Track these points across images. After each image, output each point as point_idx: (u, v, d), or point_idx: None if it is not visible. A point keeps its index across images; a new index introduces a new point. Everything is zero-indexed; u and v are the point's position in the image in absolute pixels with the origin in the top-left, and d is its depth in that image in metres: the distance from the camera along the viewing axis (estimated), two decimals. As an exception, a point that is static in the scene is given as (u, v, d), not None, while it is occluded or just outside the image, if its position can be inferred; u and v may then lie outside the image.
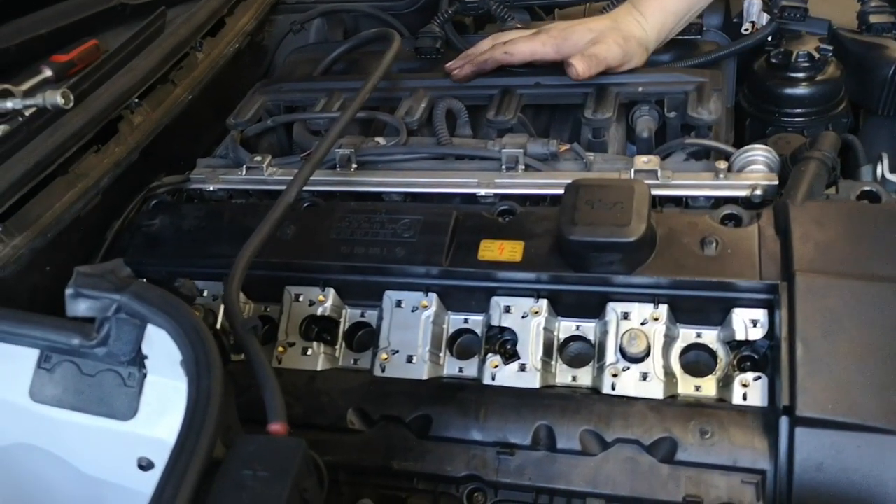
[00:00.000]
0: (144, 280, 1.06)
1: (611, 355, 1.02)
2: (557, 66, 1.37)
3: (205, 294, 1.17)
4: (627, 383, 1.00)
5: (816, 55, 1.35)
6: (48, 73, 1.13)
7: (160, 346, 0.80)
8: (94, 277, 0.77)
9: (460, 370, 1.08)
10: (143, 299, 0.76)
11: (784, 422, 0.89)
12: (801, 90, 1.37)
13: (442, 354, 1.09)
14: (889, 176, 1.09)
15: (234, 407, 0.77)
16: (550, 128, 1.45)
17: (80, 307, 0.77)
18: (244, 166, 1.33)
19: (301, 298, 1.13)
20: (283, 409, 0.74)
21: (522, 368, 1.03)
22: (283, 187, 1.24)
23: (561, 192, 1.14)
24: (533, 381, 1.02)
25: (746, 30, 1.52)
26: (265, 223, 1.00)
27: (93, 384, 0.83)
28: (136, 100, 1.24)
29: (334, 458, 1.01)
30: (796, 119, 1.38)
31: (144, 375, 0.82)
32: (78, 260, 1.15)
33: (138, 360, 0.81)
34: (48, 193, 1.08)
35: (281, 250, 1.13)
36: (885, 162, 1.11)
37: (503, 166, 1.22)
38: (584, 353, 1.07)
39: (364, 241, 1.12)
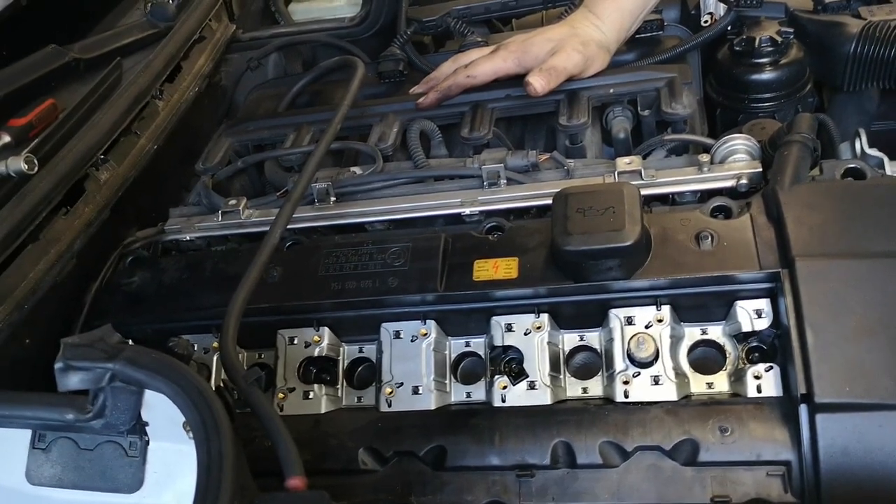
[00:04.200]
0: (130, 341, 1.02)
1: (619, 362, 1.00)
2: (523, 78, 1.35)
3: (195, 348, 1.13)
4: (640, 389, 0.98)
5: (779, 39, 1.36)
6: (7, 138, 1.09)
7: (160, 411, 0.77)
8: (83, 348, 0.73)
9: (468, 395, 1.05)
10: (138, 365, 0.72)
11: (804, 410, 0.88)
12: (767, 75, 1.37)
13: (447, 381, 1.06)
14: (869, 151, 1.09)
15: (245, 465, 0.74)
16: (524, 138, 1.44)
17: (71, 381, 0.73)
18: (220, 211, 1.29)
19: (296, 341, 1.10)
20: (299, 462, 0.71)
21: (532, 386, 1.01)
22: (262, 229, 1.23)
23: (547, 202, 1.13)
24: (544, 397, 1.00)
25: (706, 22, 1.52)
26: (252, 268, 0.97)
27: (93, 459, 0.79)
28: (102, 156, 1.20)
29: (350, 501, 0.98)
30: (766, 104, 1.38)
31: (147, 443, 0.78)
32: (57, 328, 1.11)
33: (139, 427, 0.77)
34: (21, 263, 1.03)
35: (269, 294, 1.09)
36: (864, 138, 1.10)
37: (485, 183, 1.20)
38: (590, 363, 1.05)
39: (354, 274, 1.09)
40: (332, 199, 1.26)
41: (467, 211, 1.18)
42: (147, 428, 0.77)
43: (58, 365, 0.72)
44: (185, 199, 1.42)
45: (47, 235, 1.08)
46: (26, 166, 1.00)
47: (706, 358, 1.02)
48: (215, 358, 1.14)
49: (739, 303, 0.99)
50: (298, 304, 1.10)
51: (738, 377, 0.98)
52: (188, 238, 1.29)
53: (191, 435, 0.74)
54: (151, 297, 1.18)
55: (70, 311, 1.14)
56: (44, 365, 0.96)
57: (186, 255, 1.27)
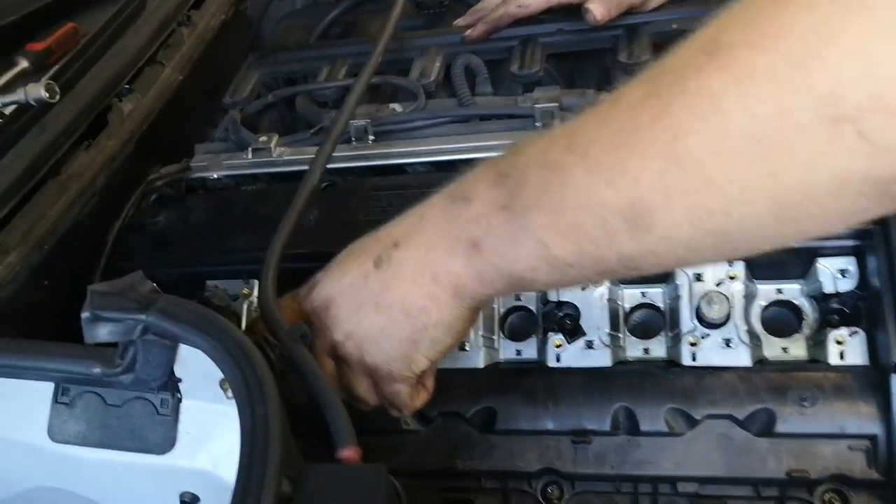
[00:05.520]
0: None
1: (686, 322, 0.92)
2: (578, 10, 1.25)
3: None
4: (709, 352, 0.90)
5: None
6: (25, 63, 1.00)
7: (194, 366, 0.70)
8: (112, 296, 0.66)
9: (518, 353, 0.98)
10: (173, 317, 0.65)
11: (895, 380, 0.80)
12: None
13: (496, 337, 0.99)
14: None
15: (289, 430, 0.66)
16: (574, 77, 1.33)
17: (100, 332, 0.66)
18: (249, 148, 1.20)
19: (334, 290, 1.02)
20: (351, 431, 0.64)
21: (589, 345, 0.93)
22: (295, 168, 1.15)
23: (606, 146, 1.04)
24: (604, 358, 0.93)
25: (775, -49, 1.40)
26: (292, 210, 0.89)
27: (121, 416, 0.72)
28: (126, 86, 1.11)
29: (391, 462, 0.92)
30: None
31: (179, 400, 0.71)
32: (79, 270, 1.03)
33: (171, 384, 0.70)
34: (40, 200, 0.95)
35: (306, 239, 1.01)
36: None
37: (537, 123, 1.11)
38: (650, 321, 0.97)
39: (397, 219, 1.01)
40: (371, 138, 1.17)
41: (519, 154, 1.08)
42: (180, 385, 0.70)
43: (85, 315, 0.65)
44: (210, 135, 1.33)
45: (69, 170, 0.99)
46: (47, 94, 0.91)
47: (780, 319, 0.94)
48: (245, 305, 1.06)
49: (821, 260, 0.90)
50: (338, 249, 1.02)
51: (816, 342, 0.90)
52: (215, 176, 1.20)
53: (229, 394, 0.67)
54: (177, 238, 1.10)
55: (91, 252, 1.06)
56: (62, 308, 0.89)
57: (214, 195, 1.19)
